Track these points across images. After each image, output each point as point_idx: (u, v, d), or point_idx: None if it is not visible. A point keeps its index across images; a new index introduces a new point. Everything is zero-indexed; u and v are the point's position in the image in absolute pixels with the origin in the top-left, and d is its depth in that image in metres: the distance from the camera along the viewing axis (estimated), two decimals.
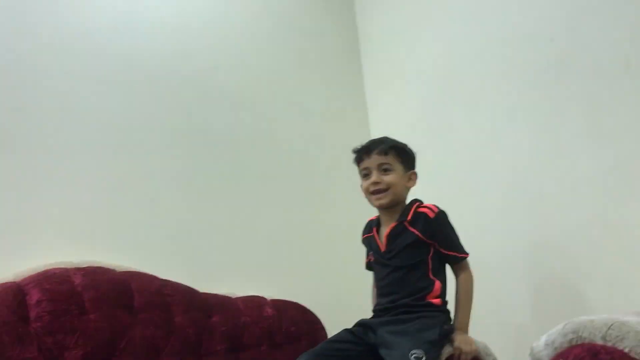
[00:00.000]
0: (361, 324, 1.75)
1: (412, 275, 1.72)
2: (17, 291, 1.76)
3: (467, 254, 1.77)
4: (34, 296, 1.76)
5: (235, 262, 2.33)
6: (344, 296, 2.50)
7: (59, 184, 2.03)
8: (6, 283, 1.78)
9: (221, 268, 2.29)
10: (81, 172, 2.08)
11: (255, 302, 2.16)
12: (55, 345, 1.72)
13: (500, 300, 2.18)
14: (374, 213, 2.37)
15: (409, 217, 1.76)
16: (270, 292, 2.27)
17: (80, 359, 1.73)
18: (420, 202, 1.82)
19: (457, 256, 1.75)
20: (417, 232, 1.73)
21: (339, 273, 2.55)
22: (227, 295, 2.15)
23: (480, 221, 2.24)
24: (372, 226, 1.87)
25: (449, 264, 1.78)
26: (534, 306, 2.08)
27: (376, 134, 2.70)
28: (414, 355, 1.52)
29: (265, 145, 2.54)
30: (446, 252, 1.75)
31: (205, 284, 2.13)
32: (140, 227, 2.15)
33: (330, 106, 2.79)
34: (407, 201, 1.84)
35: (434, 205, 1.78)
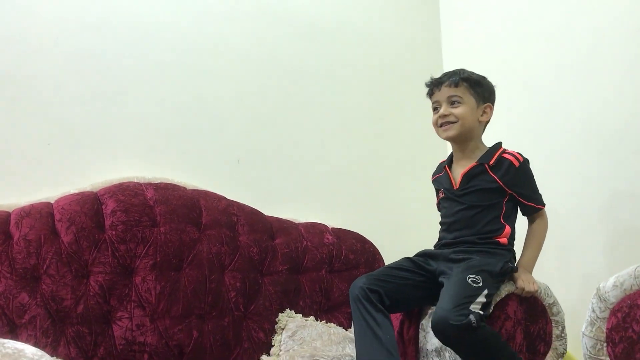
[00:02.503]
0: (422, 254, 1.76)
1: (483, 216, 1.70)
2: (95, 200, 1.86)
3: (544, 204, 1.74)
4: (110, 206, 1.85)
5: (298, 189, 2.36)
6: (404, 230, 2.51)
7: (135, 102, 2.10)
8: (84, 192, 1.88)
9: (285, 194, 2.33)
10: (157, 93, 2.14)
11: (316, 229, 2.19)
12: (128, 253, 1.82)
13: (566, 246, 2.13)
14: (441, 147, 2.35)
15: (492, 162, 1.71)
16: (331, 221, 2.30)
17: (149, 268, 1.83)
18: (502, 146, 1.77)
19: (534, 207, 1.73)
20: (497, 179, 1.70)
21: (401, 208, 2.55)
22: (290, 220, 2.20)
23: (553, 164, 2.17)
24: (444, 166, 1.85)
25: (525, 214, 1.75)
26: (602, 254, 2.03)
27: (449, 67, 2.63)
28: (470, 279, 1.53)
29: (333, 75, 2.51)
30: (525, 202, 1.72)
31: (269, 208, 2.18)
32: (209, 148, 2.21)
33: (403, 36, 2.69)
34: (482, 137, 1.81)
35: (519, 154, 1.73)
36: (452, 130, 1.74)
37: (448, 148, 2.52)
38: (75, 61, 2.01)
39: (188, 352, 1.79)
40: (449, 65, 2.66)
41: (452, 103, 1.74)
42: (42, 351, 1.46)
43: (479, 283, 1.52)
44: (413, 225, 2.47)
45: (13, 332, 1.63)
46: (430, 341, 1.63)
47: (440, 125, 1.77)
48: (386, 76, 2.63)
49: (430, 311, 1.70)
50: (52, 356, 1.61)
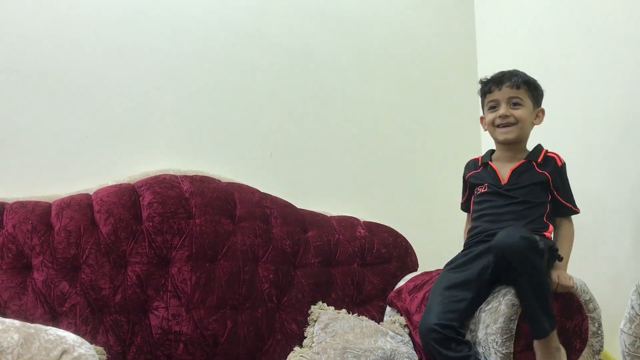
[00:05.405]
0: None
1: (531, 213, 1.70)
2: (132, 192, 1.90)
3: (579, 210, 1.75)
4: (147, 198, 1.89)
5: (330, 182, 2.38)
6: (436, 225, 2.50)
7: (171, 96, 2.13)
8: (122, 184, 1.92)
9: (317, 187, 2.34)
10: (192, 86, 2.17)
11: (348, 222, 2.20)
12: (164, 244, 1.85)
13: (598, 243, 2.09)
14: (474, 140, 2.33)
15: (539, 159, 1.73)
16: (363, 214, 2.30)
17: (185, 259, 1.85)
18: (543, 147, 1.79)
19: (571, 209, 1.74)
20: (547, 174, 1.71)
21: (433, 202, 2.54)
22: (322, 213, 2.21)
23: (588, 160, 2.13)
24: (481, 163, 1.84)
25: (559, 214, 1.75)
26: (636, 251, 1.99)
27: (484, 61, 2.61)
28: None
29: (365, 68, 2.50)
30: (564, 202, 1.72)
31: (301, 201, 2.19)
32: (243, 142, 2.23)
33: (436, 28, 2.67)
34: (529, 140, 1.81)
35: (559, 155, 1.76)
36: (512, 134, 1.74)
37: (482, 142, 2.51)
38: (113, 55, 2.05)
39: (222, 342, 1.82)
40: (484, 58, 2.63)
41: (513, 104, 1.74)
42: (82, 338, 1.50)
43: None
44: (445, 220, 2.45)
45: (54, 320, 1.68)
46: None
47: (498, 126, 1.76)
48: (419, 69, 2.61)
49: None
50: (91, 344, 1.65)
